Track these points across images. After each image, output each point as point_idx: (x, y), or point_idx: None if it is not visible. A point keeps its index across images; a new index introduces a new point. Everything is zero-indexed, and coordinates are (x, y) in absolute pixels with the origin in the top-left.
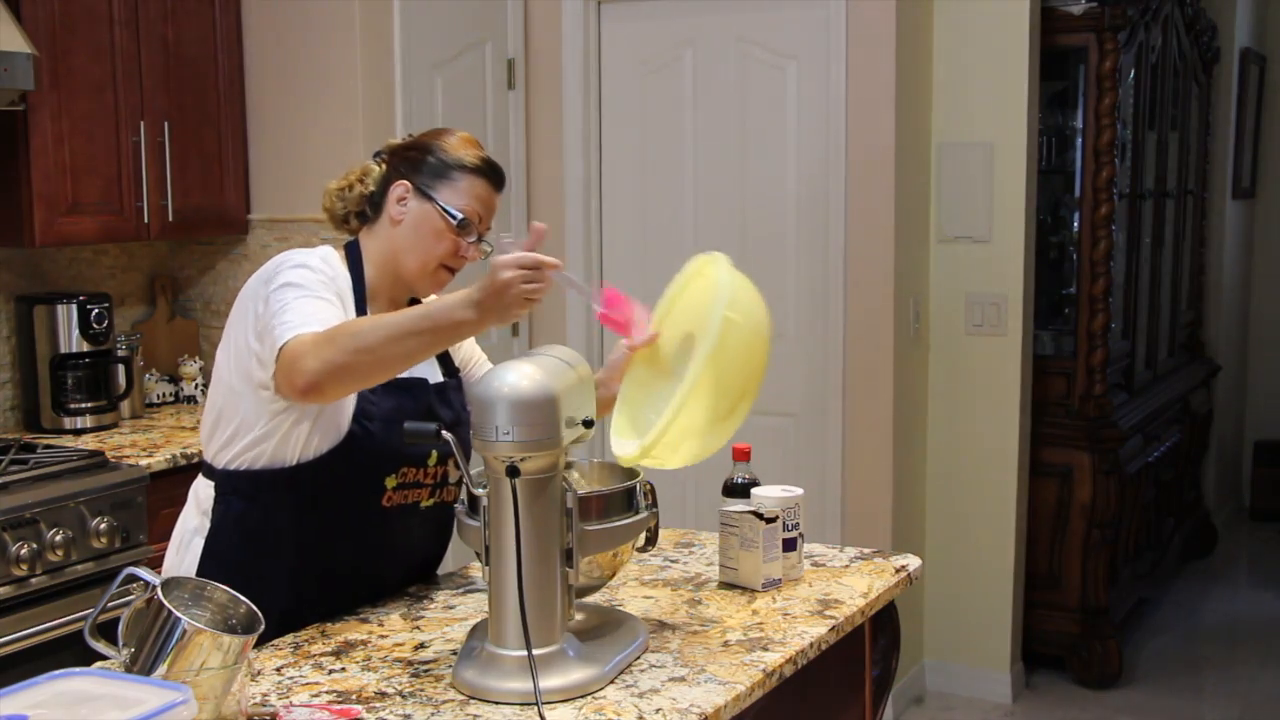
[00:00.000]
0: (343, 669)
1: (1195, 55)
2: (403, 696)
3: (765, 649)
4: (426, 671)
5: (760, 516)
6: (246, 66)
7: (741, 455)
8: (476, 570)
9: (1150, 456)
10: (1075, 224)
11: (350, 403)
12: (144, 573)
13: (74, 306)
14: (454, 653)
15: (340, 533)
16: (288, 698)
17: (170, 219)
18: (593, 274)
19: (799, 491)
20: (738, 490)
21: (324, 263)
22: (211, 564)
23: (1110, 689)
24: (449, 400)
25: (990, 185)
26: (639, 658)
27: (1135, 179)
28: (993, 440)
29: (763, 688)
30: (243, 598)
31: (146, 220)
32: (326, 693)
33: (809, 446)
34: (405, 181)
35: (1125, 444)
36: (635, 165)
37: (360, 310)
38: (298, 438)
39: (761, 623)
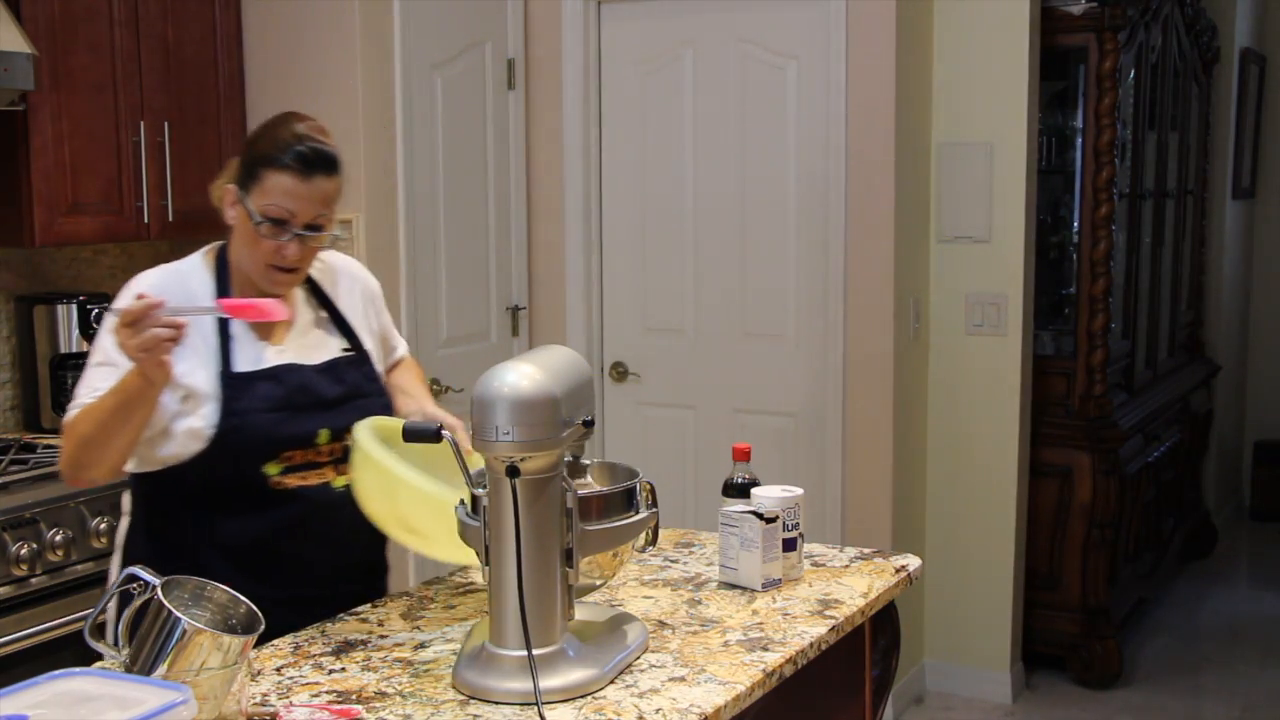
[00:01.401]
0: (343, 669)
1: (1195, 55)
2: (403, 696)
3: (765, 649)
4: (426, 671)
5: (760, 516)
6: (246, 66)
7: (741, 455)
8: (476, 570)
9: (1150, 456)
10: (1075, 224)
11: (208, 404)
12: (144, 573)
13: (74, 306)
14: (454, 653)
15: (240, 522)
16: (288, 698)
17: (170, 219)
18: (593, 273)
19: (799, 491)
20: (738, 490)
21: (162, 281)
22: (129, 561)
23: (1110, 689)
24: (342, 376)
25: (990, 185)
26: (639, 658)
27: (1135, 179)
28: (993, 440)
29: (763, 688)
30: (243, 598)
31: (146, 220)
32: (326, 693)
33: (809, 446)
34: (232, 185)
35: (1125, 444)
36: (635, 165)
37: (222, 317)
38: (164, 446)
39: (761, 623)
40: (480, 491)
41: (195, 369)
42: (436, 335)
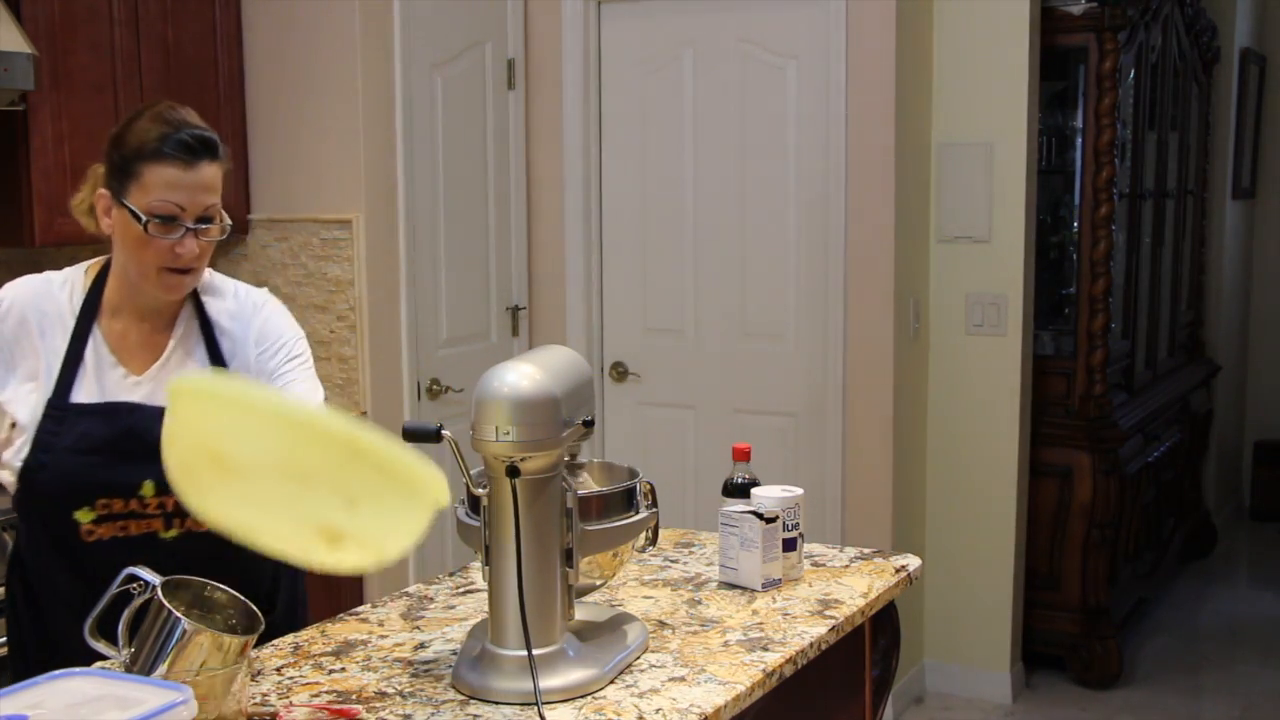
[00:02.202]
0: (343, 669)
1: (1195, 55)
2: (403, 696)
3: (765, 649)
4: (426, 671)
5: (760, 516)
6: (246, 66)
7: (741, 455)
8: (476, 570)
9: (1150, 456)
10: (1075, 224)
11: (23, 437)
12: (144, 573)
13: None
14: (454, 653)
15: (60, 564)
16: (288, 698)
17: None
18: (593, 273)
19: (799, 491)
20: (738, 490)
21: (29, 291)
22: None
23: (1110, 689)
24: None
25: (990, 185)
26: (639, 658)
27: (1135, 179)
28: (993, 440)
29: (763, 688)
30: (243, 598)
31: None
32: (326, 693)
33: (809, 446)
34: (104, 190)
35: (1125, 444)
36: (635, 165)
37: (83, 328)
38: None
39: (761, 623)
40: (481, 491)
41: (20, 397)
42: (436, 335)
